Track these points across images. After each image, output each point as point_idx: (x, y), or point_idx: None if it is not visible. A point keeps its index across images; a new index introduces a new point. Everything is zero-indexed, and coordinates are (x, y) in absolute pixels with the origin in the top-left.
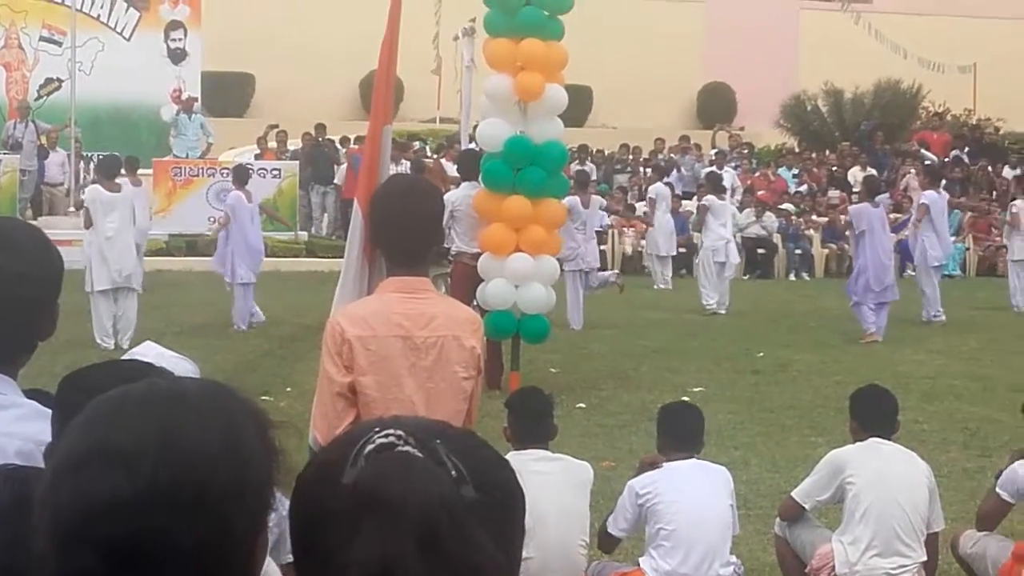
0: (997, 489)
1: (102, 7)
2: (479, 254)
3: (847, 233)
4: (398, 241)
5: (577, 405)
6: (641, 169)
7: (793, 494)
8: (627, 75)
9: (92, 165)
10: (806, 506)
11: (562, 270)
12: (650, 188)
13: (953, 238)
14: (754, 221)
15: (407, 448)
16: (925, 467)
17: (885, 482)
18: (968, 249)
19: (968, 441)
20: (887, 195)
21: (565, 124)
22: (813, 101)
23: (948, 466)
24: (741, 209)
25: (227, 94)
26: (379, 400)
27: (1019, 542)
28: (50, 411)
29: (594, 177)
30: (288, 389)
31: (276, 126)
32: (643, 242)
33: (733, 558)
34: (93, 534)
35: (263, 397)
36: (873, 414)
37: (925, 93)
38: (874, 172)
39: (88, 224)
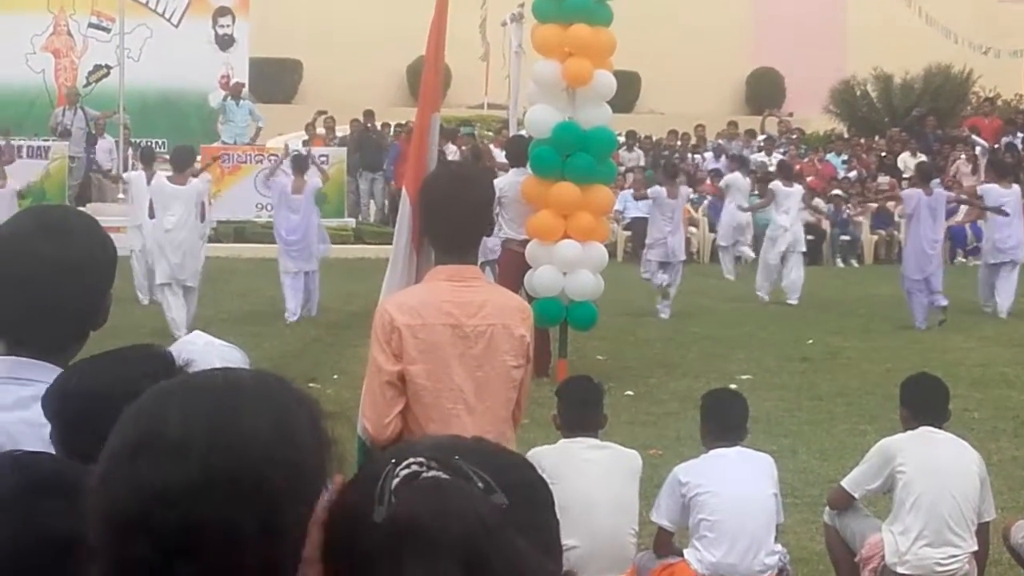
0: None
1: None
2: (527, 241)
3: (897, 219)
4: (447, 229)
5: (625, 393)
6: (690, 155)
7: (843, 483)
8: (675, 61)
9: (139, 152)
10: (856, 495)
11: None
12: (725, 178)
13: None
14: (803, 207)
15: (433, 472)
16: (976, 456)
17: (936, 471)
18: None
19: (1018, 429)
20: (938, 181)
21: (613, 110)
22: (862, 86)
23: (998, 455)
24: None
25: (275, 80)
26: (429, 389)
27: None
28: None
29: (642, 163)
30: (336, 376)
31: (324, 112)
32: (692, 229)
33: (779, 547)
34: (148, 523)
35: (311, 384)
36: (924, 402)
37: (976, 78)
38: (925, 158)
39: (151, 215)
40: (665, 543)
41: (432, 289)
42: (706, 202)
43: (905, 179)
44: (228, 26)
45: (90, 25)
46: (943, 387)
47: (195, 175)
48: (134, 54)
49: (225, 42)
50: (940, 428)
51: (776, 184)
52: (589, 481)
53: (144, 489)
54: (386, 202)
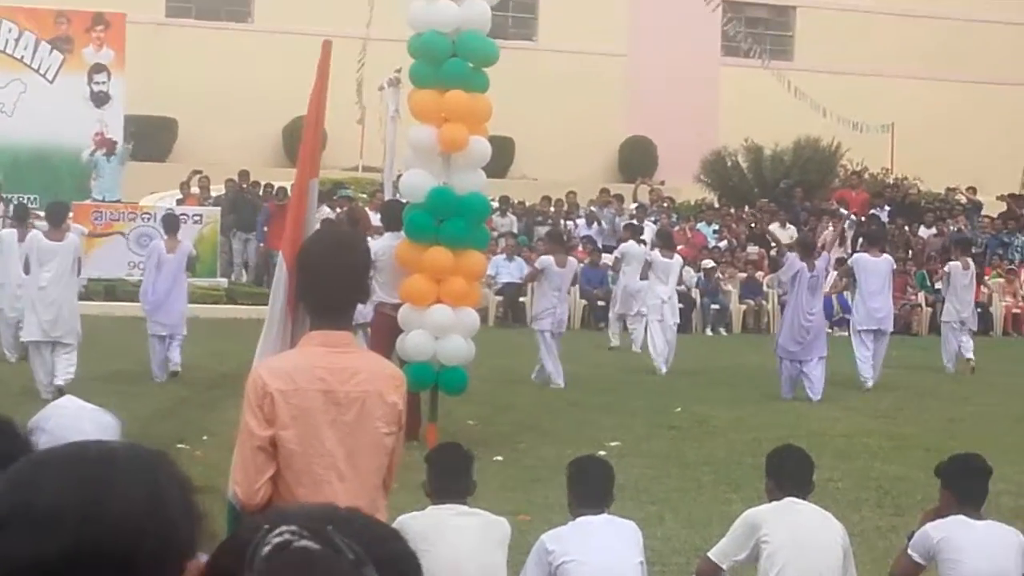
0: (908, 551)
1: (26, 48)
2: (400, 304)
3: (766, 288)
4: (322, 294)
5: (494, 458)
6: (563, 221)
7: (709, 554)
8: (549, 127)
9: (11, 207)
10: (723, 566)
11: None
12: (620, 247)
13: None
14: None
15: (304, 542)
16: (840, 528)
17: (800, 542)
18: None
19: (881, 500)
20: (823, 257)
21: (486, 175)
22: (733, 157)
23: (861, 525)
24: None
25: (150, 138)
26: (300, 454)
27: None
28: None
29: (514, 229)
30: (205, 438)
31: (200, 172)
32: None
33: None
34: None
35: (179, 445)
36: (789, 474)
37: (844, 151)
38: (794, 228)
39: (26, 271)
40: None
41: (306, 354)
42: (578, 268)
43: (772, 248)
44: (104, 83)
45: None
46: (807, 459)
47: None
48: (7, 109)
49: (100, 99)
50: (804, 499)
51: (655, 254)
52: (458, 548)
53: (14, 560)
54: (258, 263)
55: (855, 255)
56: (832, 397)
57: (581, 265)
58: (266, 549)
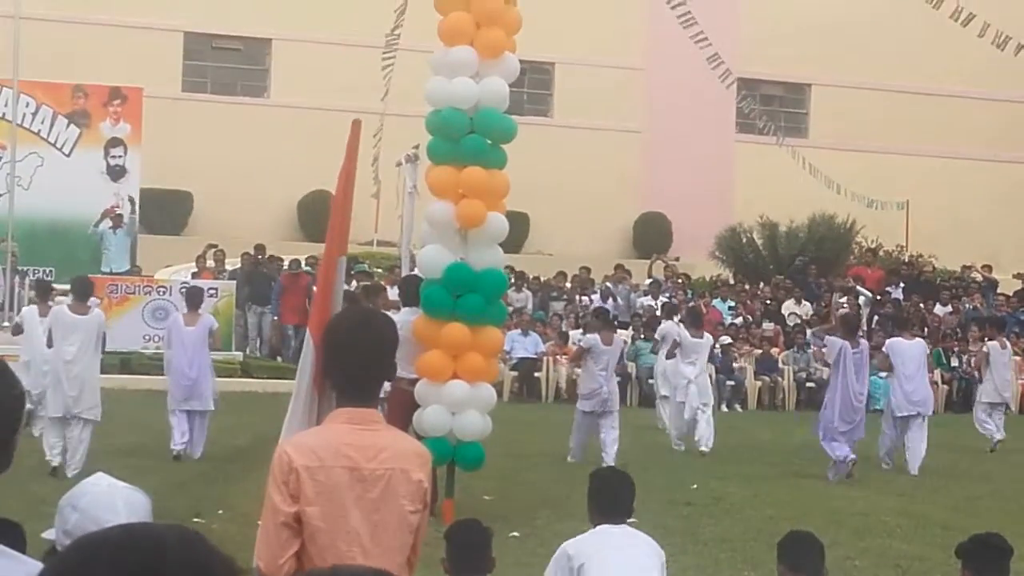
0: None
1: (43, 122)
2: (416, 380)
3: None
4: (349, 372)
5: (511, 534)
6: (577, 297)
7: None
8: (563, 202)
9: (28, 280)
10: None
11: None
12: (660, 327)
13: (884, 374)
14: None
15: None
16: None
17: None
18: None
19: None
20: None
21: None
22: (748, 233)
23: None
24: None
25: (165, 211)
26: (324, 531)
27: None
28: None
29: (529, 305)
30: (220, 512)
31: (215, 245)
32: (578, 371)
33: None
34: None
35: (195, 520)
36: (801, 559)
37: (859, 228)
38: (810, 306)
39: (49, 345)
40: None
41: (332, 431)
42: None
43: (790, 328)
44: (120, 157)
45: None
46: (818, 544)
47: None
48: (24, 182)
49: (116, 172)
50: None
51: (684, 333)
52: None
53: None
54: (272, 336)
55: (889, 340)
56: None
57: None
58: None
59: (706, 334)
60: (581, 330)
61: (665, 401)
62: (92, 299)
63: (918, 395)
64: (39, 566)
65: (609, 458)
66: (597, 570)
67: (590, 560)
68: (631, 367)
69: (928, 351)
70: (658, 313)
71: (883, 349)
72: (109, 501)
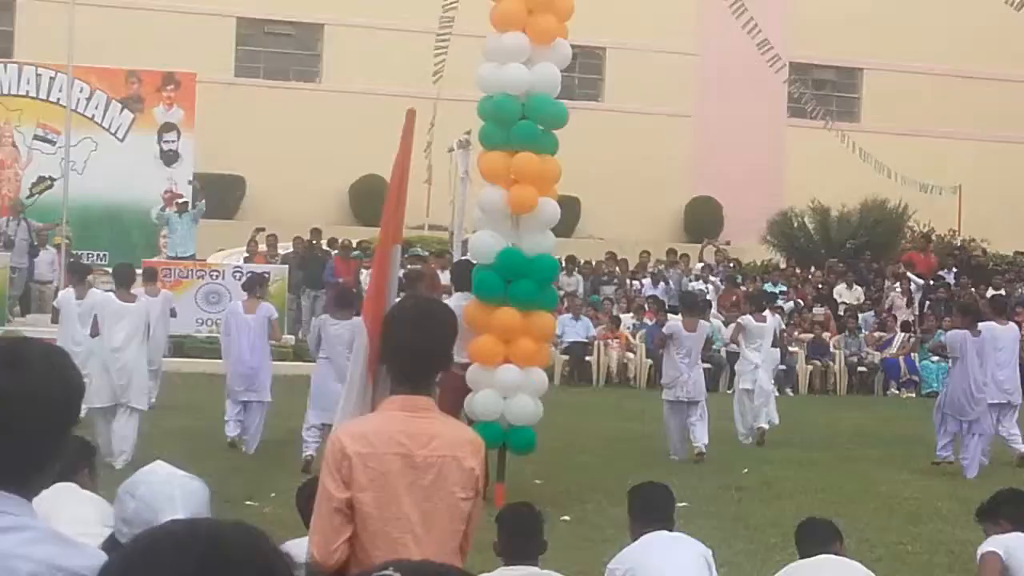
0: (980, 554)
1: (96, 107)
2: (468, 364)
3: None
4: (408, 362)
5: (562, 518)
6: (628, 281)
7: None
8: (615, 187)
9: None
10: None
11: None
12: (740, 318)
13: (936, 357)
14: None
15: None
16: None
17: None
18: None
19: (953, 564)
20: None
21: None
22: (800, 218)
23: None
24: (727, 324)
25: (218, 196)
26: (376, 517)
27: None
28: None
29: (580, 289)
30: (273, 495)
31: (263, 229)
32: (628, 355)
33: None
34: None
35: (247, 503)
36: (811, 546)
37: (911, 213)
38: (861, 290)
39: (95, 333)
40: None
41: (385, 418)
42: (644, 329)
43: (843, 309)
44: (173, 142)
45: (35, 137)
46: (831, 527)
47: (154, 294)
48: (78, 167)
49: (169, 157)
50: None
51: (747, 318)
52: None
53: None
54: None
55: (982, 324)
56: (901, 459)
57: (648, 324)
58: None
59: (769, 316)
60: (632, 315)
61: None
62: (166, 292)
63: (1010, 383)
64: (101, 556)
65: (701, 443)
66: (644, 573)
67: (637, 565)
68: None
69: (1020, 336)
70: (657, 292)
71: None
72: (167, 491)
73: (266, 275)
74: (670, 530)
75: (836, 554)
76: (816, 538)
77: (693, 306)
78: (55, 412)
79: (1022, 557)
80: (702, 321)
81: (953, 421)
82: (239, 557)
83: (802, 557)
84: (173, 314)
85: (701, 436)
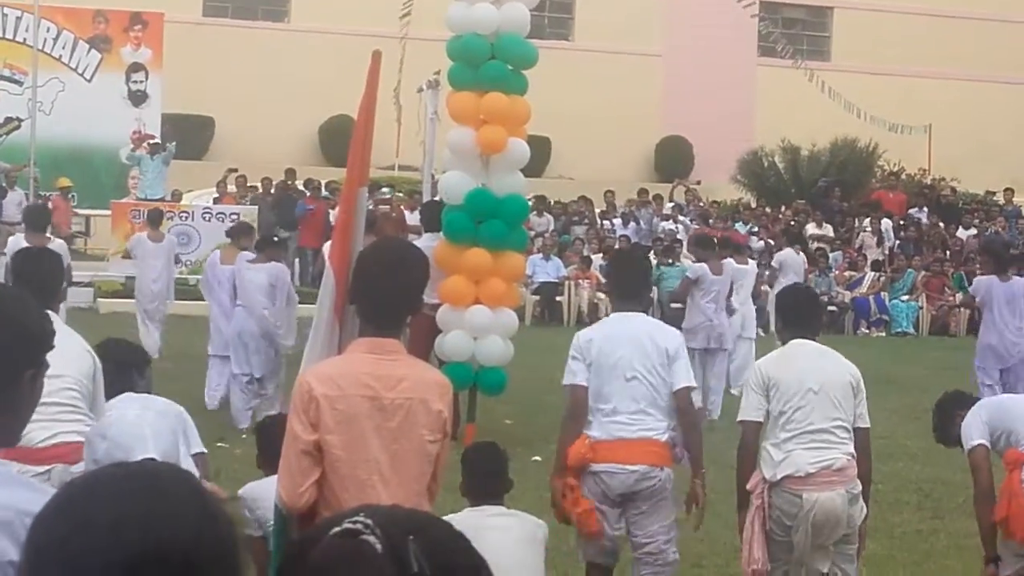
0: (966, 447)
1: (64, 48)
2: (438, 305)
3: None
4: (379, 306)
5: (533, 458)
6: (599, 221)
7: (740, 419)
8: (585, 127)
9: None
10: (759, 419)
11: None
12: (777, 255)
13: (906, 296)
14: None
15: (369, 538)
16: (847, 366)
17: (803, 381)
18: (921, 307)
19: (922, 502)
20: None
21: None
22: (770, 157)
23: (901, 527)
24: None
25: (187, 137)
26: (344, 460)
27: (1009, 451)
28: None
29: (552, 228)
30: (244, 436)
31: (235, 170)
32: (599, 295)
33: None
34: None
35: (218, 444)
36: (796, 314)
37: (882, 152)
38: (830, 228)
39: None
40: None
41: (352, 361)
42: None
43: (811, 251)
44: (141, 82)
45: (1, 77)
46: (815, 299)
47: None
48: (46, 107)
49: (138, 98)
50: (813, 339)
51: (729, 261)
52: (498, 550)
53: (84, 569)
54: (296, 260)
55: (979, 279)
56: (870, 397)
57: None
58: (335, 530)
59: (751, 261)
60: (602, 255)
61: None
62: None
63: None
64: None
65: (715, 411)
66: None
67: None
68: (652, 291)
69: None
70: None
71: (970, 289)
72: (138, 431)
73: (231, 215)
74: (816, 336)
75: (814, 335)
76: (801, 312)
77: (710, 244)
78: (13, 351)
79: (998, 424)
80: (727, 263)
81: (991, 374)
82: (176, 488)
83: (783, 329)
84: (177, 260)
85: (717, 397)
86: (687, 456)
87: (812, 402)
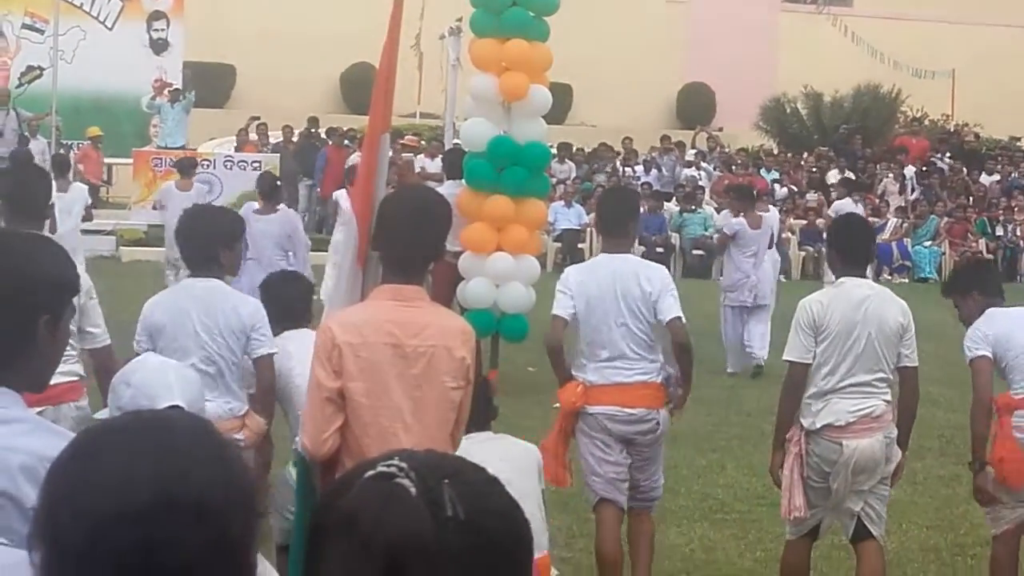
0: (967, 355)
1: None
2: (460, 253)
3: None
4: (402, 253)
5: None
6: (620, 168)
7: (786, 358)
8: (607, 73)
9: (72, 153)
10: (808, 360)
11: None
12: (835, 204)
13: (929, 243)
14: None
15: (403, 481)
16: (900, 305)
17: (850, 322)
18: (944, 254)
19: (944, 448)
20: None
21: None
22: (792, 104)
23: (923, 473)
24: (719, 210)
25: (208, 85)
26: (367, 407)
27: (1001, 396)
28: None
29: (574, 175)
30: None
31: (258, 118)
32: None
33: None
34: (105, 545)
35: None
36: (852, 246)
37: (905, 98)
38: (851, 174)
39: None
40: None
41: (375, 308)
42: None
43: (834, 198)
44: (162, 30)
45: (23, 26)
46: (869, 230)
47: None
48: (67, 56)
49: (159, 46)
50: (864, 274)
51: (770, 213)
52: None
53: (99, 515)
54: (317, 209)
55: None
56: None
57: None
58: (370, 473)
59: (772, 208)
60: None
61: None
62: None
63: None
64: None
65: (759, 355)
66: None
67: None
68: (675, 238)
69: None
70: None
71: None
72: (163, 378)
73: (253, 163)
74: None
75: (864, 269)
76: (856, 243)
77: (748, 196)
78: (5, 300)
79: (1005, 344)
80: (768, 215)
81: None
82: (189, 435)
83: (838, 260)
84: None
85: (762, 346)
86: (676, 380)
87: (857, 353)
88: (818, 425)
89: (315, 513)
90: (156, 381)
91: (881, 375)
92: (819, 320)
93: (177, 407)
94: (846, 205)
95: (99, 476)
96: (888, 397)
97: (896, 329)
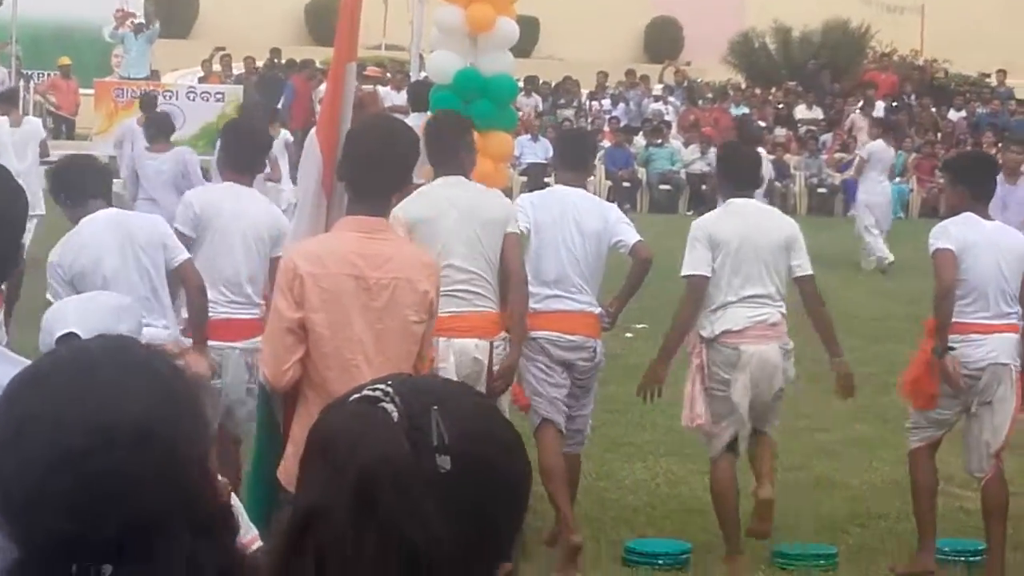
0: (931, 247)
1: None
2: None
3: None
4: (368, 181)
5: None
6: (587, 102)
7: (684, 273)
8: (575, 7)
9: (32, 83)
10: (707, 273)
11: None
12: (864, 147)
13: (897, 179)
14: (699, 157)
15: (386, 405)
16: (787, 221)
17: (743, 237)
18: (912, 190)
19: None
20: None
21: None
22: (761, 38)
23: (893, 410)
24: (686, 145)
25: (171, 15)
26: (328, 338)
27: (930, 319)
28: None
29: (540, 108)
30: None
31: (222, 49)
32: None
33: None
34: (53, 489)
35: None
36: (738, 173)
37: (874, 33)
38: (820, 110)
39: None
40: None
41: (339, 239)
42: (602, 151)
43: (802, 133)
44: None
45: None
46: (757, 159)
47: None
48: None
49: None
50: (752, 197)
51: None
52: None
53: (41, 460)
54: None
55: None
56: (862, 280)
57: (607, 147)
58: (354, 396)
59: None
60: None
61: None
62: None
63: None
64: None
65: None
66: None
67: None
68: (641, 172)
69: None
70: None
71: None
72: (59, 313)
73: (216, 94)
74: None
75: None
76: (743, 171)
77: (887, 126)
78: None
79: (970, 260)
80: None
81: None
82: (113, 365)
83: (726, 184)
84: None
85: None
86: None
87: (748, 266)
88: (716, 332)
89: (309, 435)
90: (51, 316)
91: (774, 288)
92: (714, 236)
93: (73, 334)
94: (878, 147)
95: (33, 423)
96: (783, 309)
97: (783, 242)
